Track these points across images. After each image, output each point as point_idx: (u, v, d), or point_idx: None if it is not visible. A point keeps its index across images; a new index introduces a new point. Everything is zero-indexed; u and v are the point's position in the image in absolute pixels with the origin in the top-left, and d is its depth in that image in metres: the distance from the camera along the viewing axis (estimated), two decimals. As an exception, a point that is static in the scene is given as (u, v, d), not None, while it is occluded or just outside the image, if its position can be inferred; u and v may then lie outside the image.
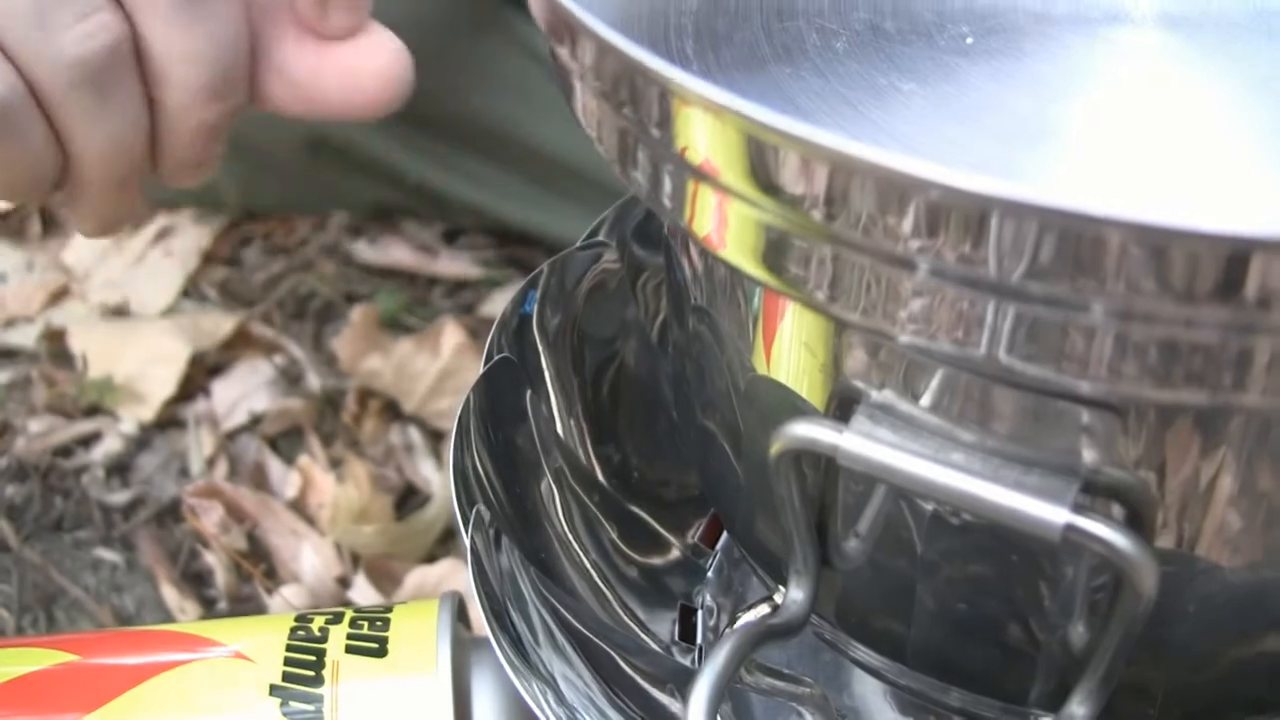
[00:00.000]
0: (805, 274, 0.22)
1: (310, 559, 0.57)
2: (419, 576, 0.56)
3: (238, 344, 0.66)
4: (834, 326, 0.24)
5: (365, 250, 0.74)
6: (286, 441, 0.64)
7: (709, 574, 0.38)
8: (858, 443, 0.23)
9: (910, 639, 0.27)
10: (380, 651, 0.35)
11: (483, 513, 0.32)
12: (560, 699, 0.30)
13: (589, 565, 0.36)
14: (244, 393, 0.64)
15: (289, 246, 0.75)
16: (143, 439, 0.63)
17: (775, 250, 0.22)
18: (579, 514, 0.36)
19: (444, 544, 0.60)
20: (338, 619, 0.36)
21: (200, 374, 0.65)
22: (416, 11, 0.55)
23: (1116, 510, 0.23)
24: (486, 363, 0.34)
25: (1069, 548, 0.22)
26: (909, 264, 0.21)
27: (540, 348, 0.36)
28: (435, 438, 0.63)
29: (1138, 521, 0.23)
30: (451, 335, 0.62)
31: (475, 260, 0.75)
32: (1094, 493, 0.23)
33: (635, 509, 0.38)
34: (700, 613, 0.37)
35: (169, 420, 0.64)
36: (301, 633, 0.36)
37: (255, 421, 0.64)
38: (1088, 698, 0.25)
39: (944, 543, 0.25)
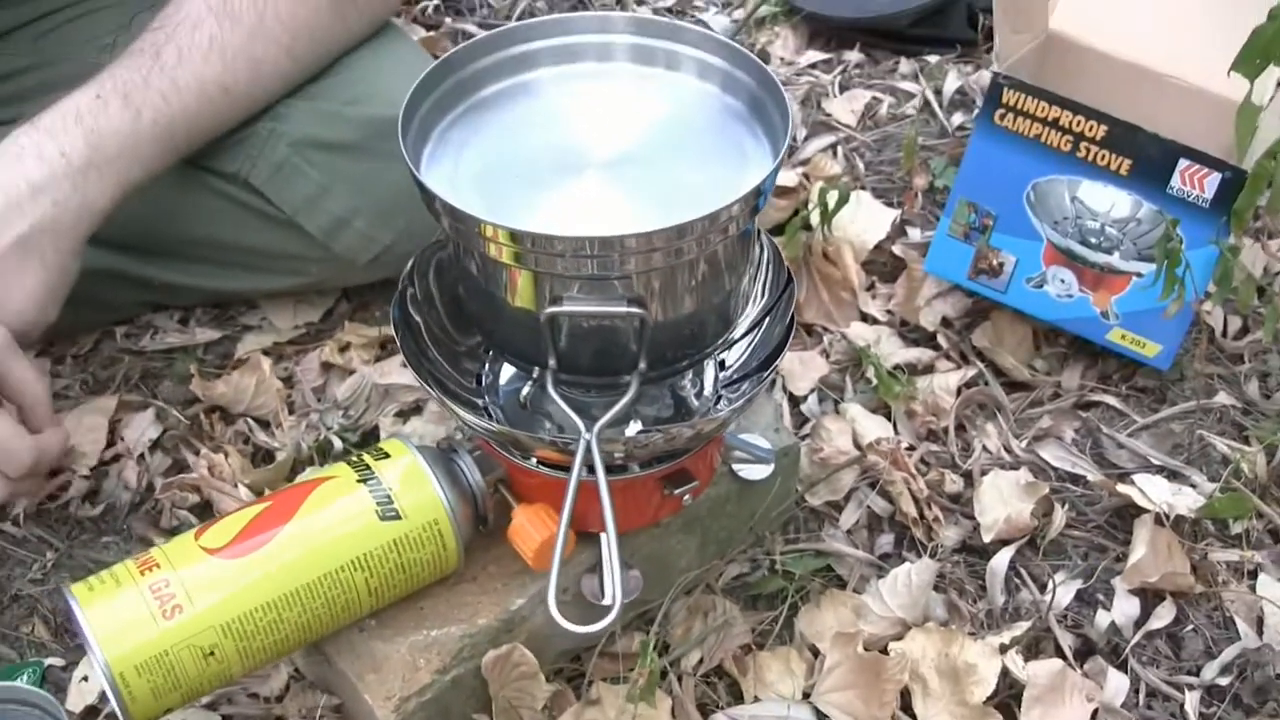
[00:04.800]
0: (533, 263, 0.79)
1: (246, 495, 1.08)
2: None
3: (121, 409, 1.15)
4: (540, 276, 0.81)
5: (151, 344, 1.23)
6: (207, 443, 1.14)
7: (484, 376, 0.96)
8: (565, 309, 0.80)
9: (580, 365, 0.85)
10: (385, 455, 0.89)
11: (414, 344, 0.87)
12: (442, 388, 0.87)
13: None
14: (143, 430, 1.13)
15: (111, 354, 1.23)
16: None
17: (516, 257, 0.79)
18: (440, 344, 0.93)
19: (290, 476, 1.12)
20: (362, 453, 0.90)
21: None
22: (153, 194, 1.06)
23: (635, 305, 0.82)
24: (398, 306, 0.89)
25: (626, 320, 0.81)
26: (562, 254, 0.78)
27: (417, 299, 0.92)
28: (263, 425, 1.15)
29: (640, 304, 0.82)
30: (263, 363, 1.14)
31: (213, 328, 1.25)
32: (632, 304, 0.81)
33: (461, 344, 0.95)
34: (486, 392, 0.95)
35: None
36: (352, 461, 0.89)
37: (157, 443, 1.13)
38: (644, 361, 0.84)
39: (589, 330, 0.83)
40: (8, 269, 0.95)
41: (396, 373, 1.17)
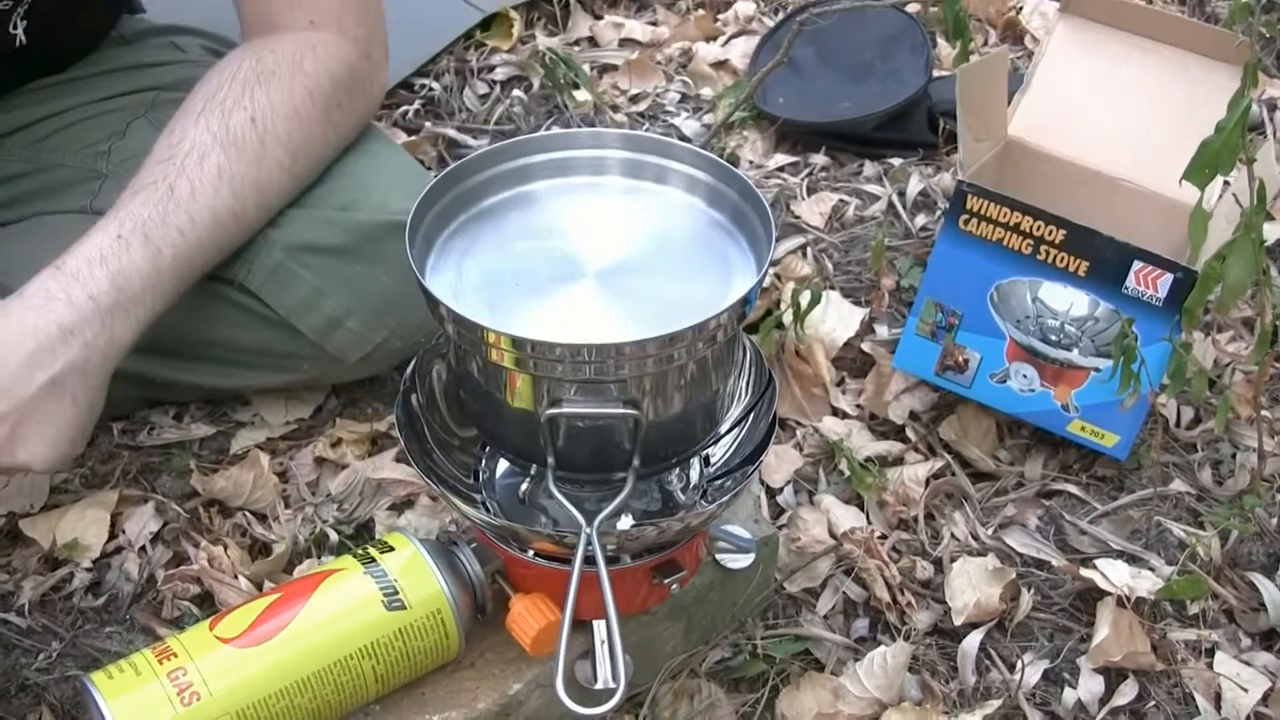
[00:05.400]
0: (533, 368, 0.84)
1: (246, 586, 1.11)
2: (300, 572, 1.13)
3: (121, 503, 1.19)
4: (539, 379, 0.86)
5: (149, 439, 1.27)
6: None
7: (481, 471, 1.00)
8: (564, 411, 0.85)
9: (577, 462, 0.90)
10: (389, 548, 0.94)
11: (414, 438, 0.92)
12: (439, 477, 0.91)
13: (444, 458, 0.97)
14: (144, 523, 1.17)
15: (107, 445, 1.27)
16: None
17: (517, 362, 0.85)
18: (440, 442, 0.97)
19: (289, 569, 1.16)
20: (366, 545, 0.94)
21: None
22: (173, 312, 1.10)
23: (630, 406, 0.87)
24: (401, 406, 0.94)
25: (621, 420, 0.86)
26: (561, 360, 0.84)
27: (419, 400, 0.97)
28: (260, 518, 1.19)
29: (634, 405, 0.87)
30: (262, 459, 1.19)
31: (208, 424, 1.30)
32: (626, 405, 0.86)
33: (457, 439, 0.99)
34: (483, 487, 0.99)
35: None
36: (358, 554, 0.94)
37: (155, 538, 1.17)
38: (638, 458, 0.89)
39: (585, 429, 0.88)
40: (40, 409, 0.99)
41: (389, 467, 1.21)
